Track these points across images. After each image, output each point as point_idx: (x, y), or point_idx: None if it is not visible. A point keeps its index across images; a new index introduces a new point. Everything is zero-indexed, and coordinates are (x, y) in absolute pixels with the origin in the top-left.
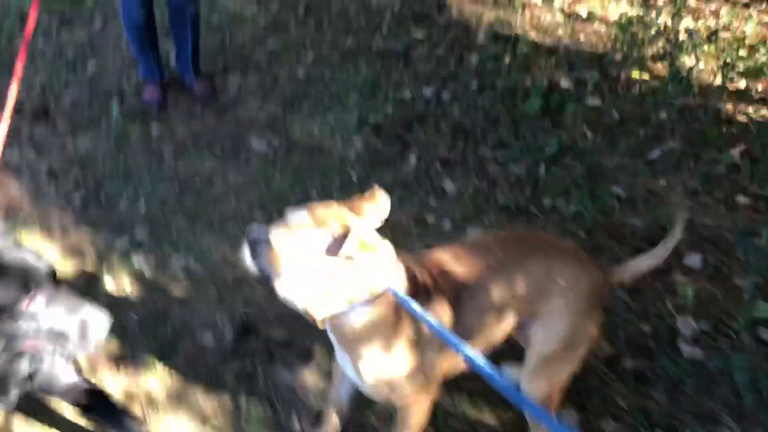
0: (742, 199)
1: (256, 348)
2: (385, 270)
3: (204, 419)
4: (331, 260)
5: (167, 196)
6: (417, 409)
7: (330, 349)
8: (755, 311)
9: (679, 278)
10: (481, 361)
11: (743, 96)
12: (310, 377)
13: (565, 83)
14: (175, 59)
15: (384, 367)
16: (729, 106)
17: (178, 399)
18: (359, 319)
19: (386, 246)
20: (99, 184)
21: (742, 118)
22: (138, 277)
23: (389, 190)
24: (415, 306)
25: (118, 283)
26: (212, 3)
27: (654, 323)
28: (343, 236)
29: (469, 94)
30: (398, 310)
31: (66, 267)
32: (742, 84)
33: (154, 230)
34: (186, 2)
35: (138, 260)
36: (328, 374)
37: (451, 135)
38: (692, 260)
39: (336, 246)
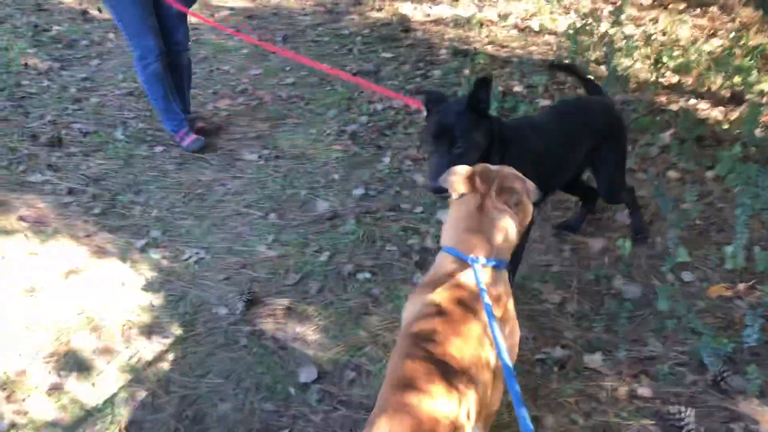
0: (672, 173)
1: (262, 314)
2: None
3: (222, 372)
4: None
5: (174, 202)
6: None
7: (325, 306)
8: (677, 257)
9: (616, 234)
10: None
11: (675, 89)
12: (309, 333)
13: (518, 88)
14: None
15: None
16: (662, 98)
17: (201, 357)
18: None
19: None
20: (114, 197)
21: (674, 107)
22: (157, 268)
23: (367, 185)
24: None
25: (140, 273)
26: (198, 39)
27: (596, 271)
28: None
29: None
30: None
31: (95, 265)
32: (674, 79)
33: (167, 230)
34: (180, 53)
35: (156, 254)
36: (324, 328)
37: (417, 137)
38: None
39: None
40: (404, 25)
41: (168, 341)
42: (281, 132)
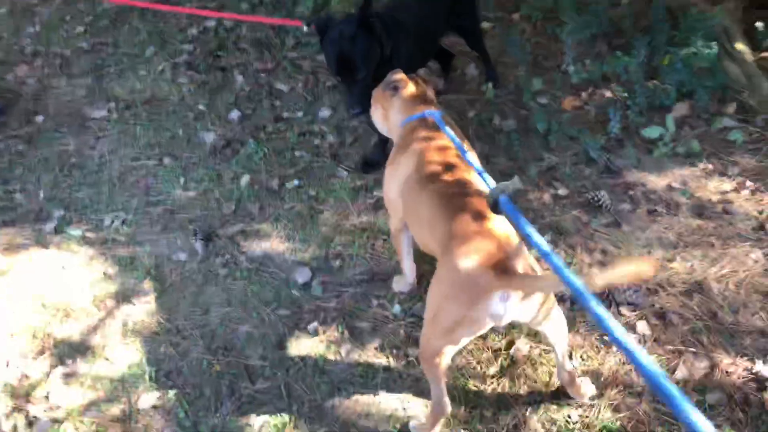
0: (485, 24)
1: (224, 245)
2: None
3: (222, 303)
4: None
5: (54, 178)
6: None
7: (276, 220)
8: (533, 87)
9: (473, 84)
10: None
11: None
12: (277, 245)
13: None
14: None
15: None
16: None
17: (193, 298)
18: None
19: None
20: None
21: None
22: (85, 242)
23: (238, 106)
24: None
25: (72, 252)
26: None
27: (476, 117)
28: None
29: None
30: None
31: (18, 261)
32: None
33: (68, 206)
34: None
35: (75, 231)
36: (287, 237)
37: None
38: (472, 69)
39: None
40: None
41: (150, 298)
42: (110, 83)
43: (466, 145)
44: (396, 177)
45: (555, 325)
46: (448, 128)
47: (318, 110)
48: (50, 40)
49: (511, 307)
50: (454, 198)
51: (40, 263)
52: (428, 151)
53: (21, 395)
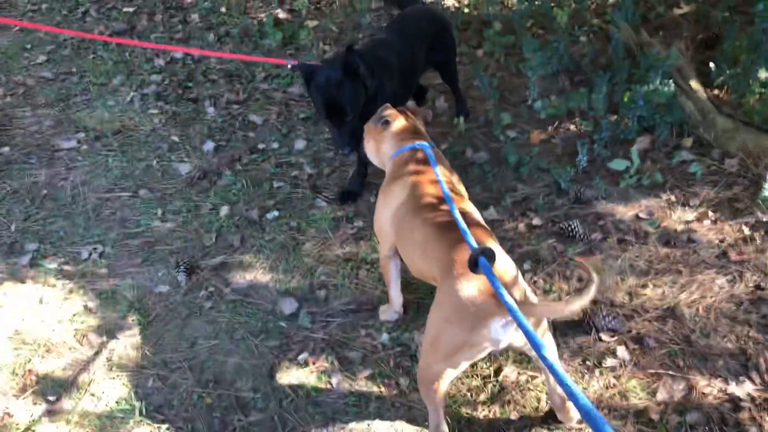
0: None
1: (206, 277)
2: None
3: (209, 335)
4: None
5: (26, 209)
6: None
7: (258, 251)
8: (503, 121)
9: (444, 116)
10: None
11: None
12: (260, 276)
13: (282, 15)
14: None
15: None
16: None
17: (178, 331)
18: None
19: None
20: None
21: None
22: (63, 275)
23: (211, 137)
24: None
25: (49, 286)
26: None
27: (449, 148)
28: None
29: None
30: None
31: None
32: None
33: (43, 239)
34: None
35: (51, 264)
36: (271, 268)
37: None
38: (441, 103)
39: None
40: None
41: (134, 332)
42: (77, 113)
43: (455, 178)
44: (388, 205)
45: (549, 350)
46: (438, 166)
47: (294, 141)
48: (11, 69)
49: (510, 332)
50: (452, 226)
51: (16, 297)
52: (422, 182)
53: None
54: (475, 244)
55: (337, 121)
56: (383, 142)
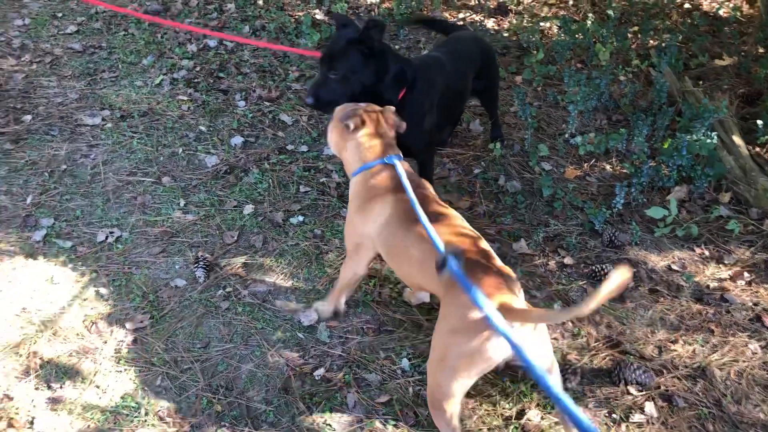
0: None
1: (225, 276)
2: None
3: (223, 338)
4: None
5: (43, 183)
6: (344, 268)
7: (279, 255)
8: (540, 152)
9: (477, 140)
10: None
11: (450, 4)
12: (281, 281)
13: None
14: None
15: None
16: (454, 12)
17: (191, 329)
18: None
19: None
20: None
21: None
22: (76, 256)
23: (240, 132)
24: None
25: (61, 266)
26: None
27: (482, 175)
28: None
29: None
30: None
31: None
32: None
33: (59, 215)
34: None
35: (65, 243)
36: (291, 275)
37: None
38: (476, 126)
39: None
40: None
41: (145, 325)
42: (104, 89)
43: (431, 189)
44: (368, 224)
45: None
46: (405, 181)
47: (324, 146)
48: (39, 36)
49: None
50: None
51: (27, 274)
52: (404, 199)
53: (2, 417)
54: (442, 248)
55: (324, 68)
56: (347, 147)
